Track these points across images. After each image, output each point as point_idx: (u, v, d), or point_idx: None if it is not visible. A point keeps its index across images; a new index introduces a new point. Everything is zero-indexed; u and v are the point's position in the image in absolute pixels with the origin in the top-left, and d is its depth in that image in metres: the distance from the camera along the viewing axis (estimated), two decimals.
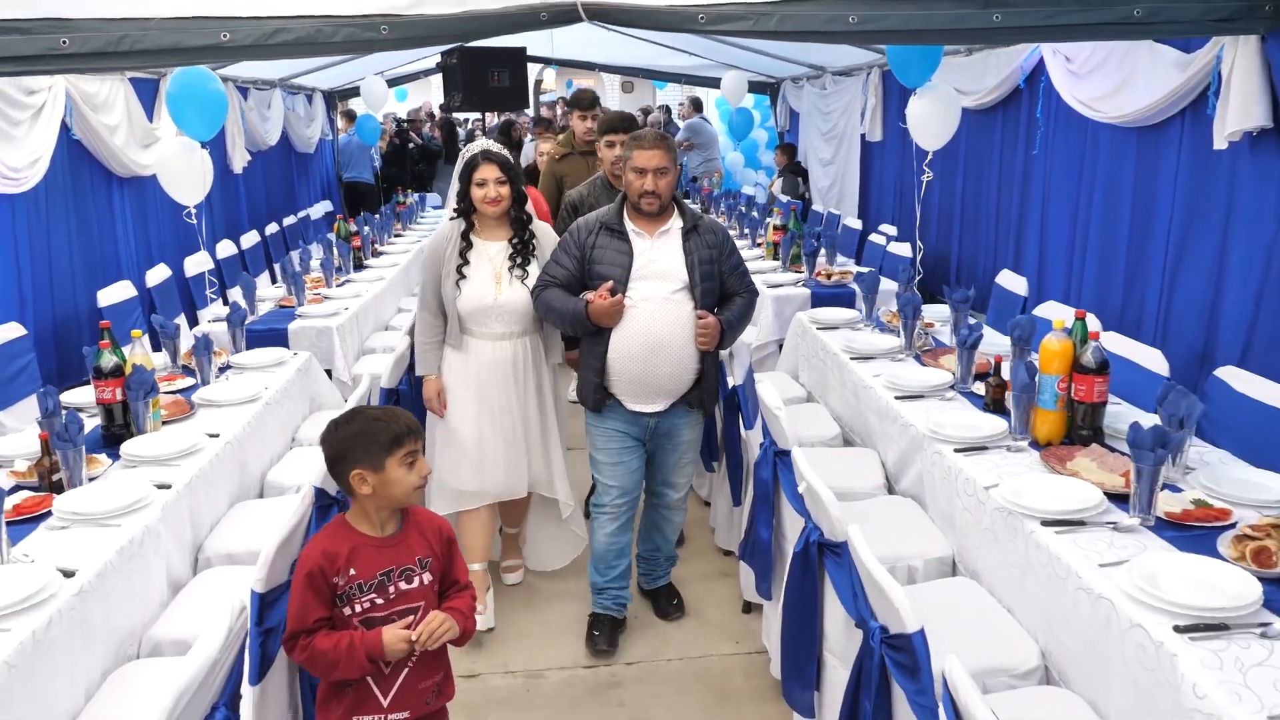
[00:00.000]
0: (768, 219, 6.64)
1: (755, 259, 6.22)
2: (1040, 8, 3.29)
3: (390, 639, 2.00)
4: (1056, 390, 2.84)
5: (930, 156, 4.57)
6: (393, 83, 11.24)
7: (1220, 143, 3.64)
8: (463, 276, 3.32)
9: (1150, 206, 4.33)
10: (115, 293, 5.34)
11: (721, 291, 3.23)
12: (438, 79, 11.19)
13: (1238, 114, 3.54)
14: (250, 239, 7.58)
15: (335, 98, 11.24)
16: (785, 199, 9.00)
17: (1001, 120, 5.91)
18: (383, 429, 2.04)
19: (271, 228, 8.21)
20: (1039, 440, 2.89)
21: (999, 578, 2.55)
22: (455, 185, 3.43)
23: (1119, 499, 2.44)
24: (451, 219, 3.45)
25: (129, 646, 2.53)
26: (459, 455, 3.40)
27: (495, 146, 3.35)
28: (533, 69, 11.20)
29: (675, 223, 3.17)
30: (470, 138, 5.79)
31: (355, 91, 10.93)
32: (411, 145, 12.11)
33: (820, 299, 5.15)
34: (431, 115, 14.23)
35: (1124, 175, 4.55)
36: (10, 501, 2.63)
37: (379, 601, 2.05)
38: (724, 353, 3.50)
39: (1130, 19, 3.31)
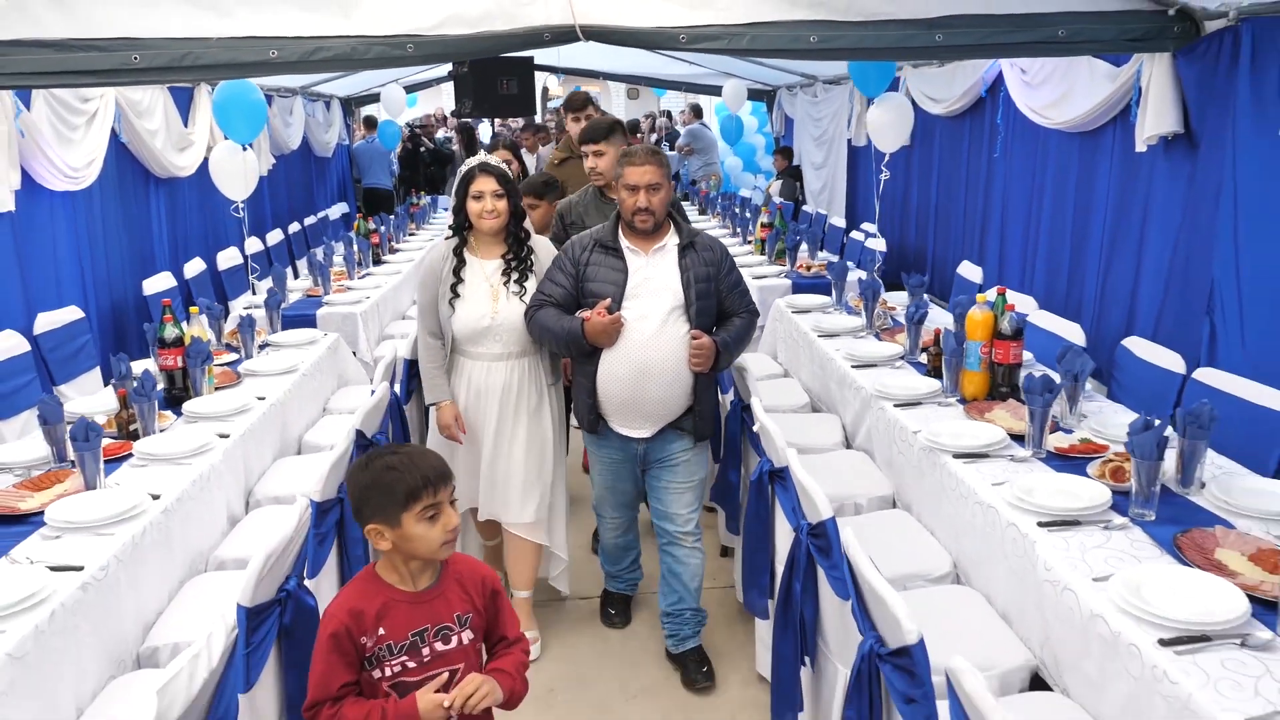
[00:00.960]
0: (758, 218, 7.17)
1: (745, 254, 6.76)
2: (977, 29, 3.81)
3: (425, 705, 1.81)
4: (980, 354, 3.34)
5: (887, 158, 5.10)
6: (412, 89, 11.80)
7: (1140, 146, 4.15)
8: (457, 295, 3.19)
9: (1089, 203, 4.85)
10: (158, 282, 5.89)
11: (720, 310, 3.10)
12: (448, 86, 11.74)
13: (1154, 121, 4.05)
14: (275, 236, 8.13)
15: (352, 104, 11.80)
16: (780, 200, 9.52)
17: (969, 126, 6.42)
18: (396, 480, 1.82)
19: (294, 227, 8.76)
20: (965, 397, 3.40)
21: (925, 507, 3.06)
22: (452, 200, 3.32)
23: (1021, 439, 2.95)
24: (447, 238, 3.33)
25: (199, 563, 3.04)
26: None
27: (494, 159, 3.24)
28: (541, 76, 11.76)
29: (671, 239, 3.06)
30: (494, 144, 6.09)
31: (373, 98, 11.48)
32: (423, 149, 12.67)
33: (800, 288, 5.65)
34: (444, 119, 14.80)
35: (1068, 175, 5.06)
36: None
37: (411, 665, 1.87)
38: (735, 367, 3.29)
39: (1056, 38, 3.84)
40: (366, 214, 9.13)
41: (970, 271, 5.25)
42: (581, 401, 3.11)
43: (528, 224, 3.32)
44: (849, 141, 8.85)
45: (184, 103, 6.80)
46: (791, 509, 2.56)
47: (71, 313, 4.89)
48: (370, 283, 6.14)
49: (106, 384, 4.11)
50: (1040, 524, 2.40)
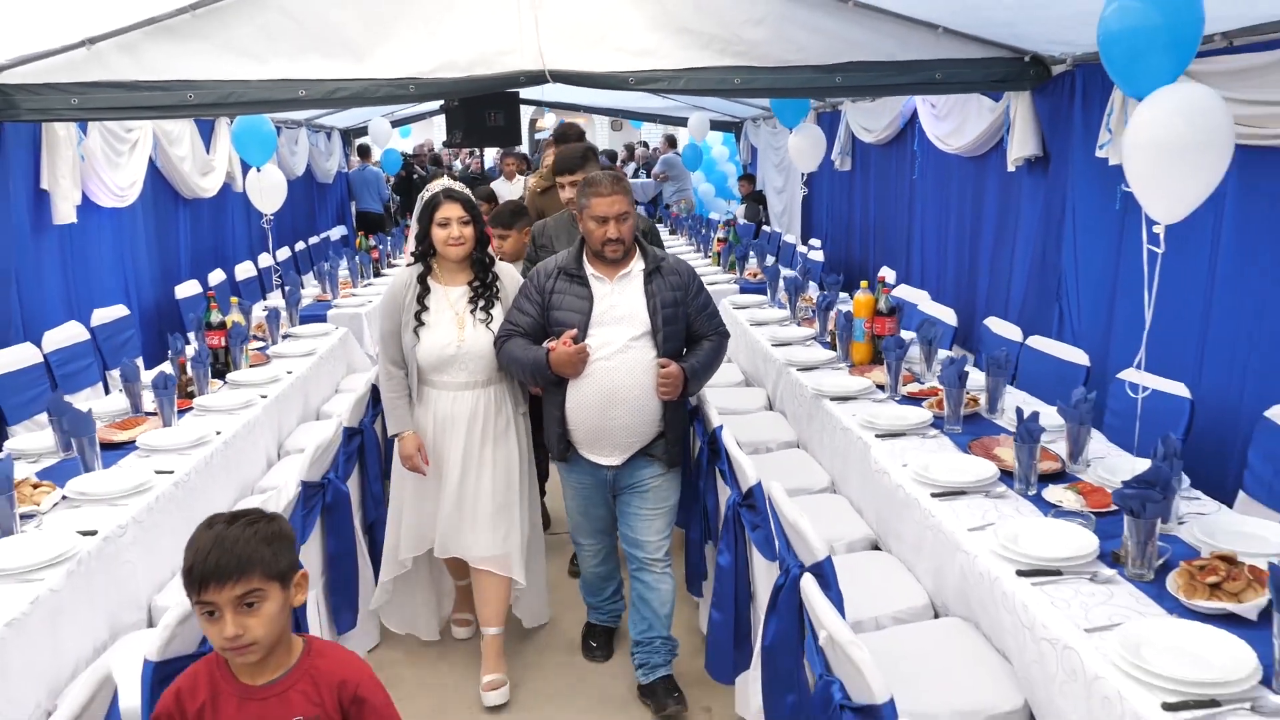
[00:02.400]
0: (714, 234, 8.09)
1: (704, 265, 7.68)
2: (869, 72, 4.72)
3: None
4: (864, 329, 4.23)
5: (806, 176, 6.03)
6: (398, 123, 12.75)
7: (1011, 166, 5.08)
8: (422, 324, 3.11)
9: (979, 214, 5.77)
10: (187, 289, 6.75)
11: (689, 333, 3.08)
12: (440, 119, 12.67)
13: (1019, 146, 4.97)
14: (284, 253, 9.00)
15: (350, 135, 12.73)
16: (743, 222, 10.45)
17: (894, 153, 7.36)
18: (188, 557, 1.62)
19: (299, 245, 9.64)
20: (855, 362, 4.27)
21: (815, 444, 3.92)
22: (414, 227, 3.25)
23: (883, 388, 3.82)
24: (409, 264, 3.26)
25: (246, 490, 3.88)
26: (398, 523, 3.27)
27: (458, 186, 3.21)
28: (529, 109, 12.73)
29: (637, 265, 3.03)
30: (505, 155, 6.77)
31: (363, 130, 12.42)
32: (415, 176, 13.59)
33: (745, 290, 6.57)
34: (433, 152, 15.82)
35: (966, 192, 5.99)
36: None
37: None
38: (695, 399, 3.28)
39: (934, 80, 4.75)
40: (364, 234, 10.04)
41: (887, 274, 6.15)
42: (551, 430, 3.07)
43: (493, 250, 3.29)
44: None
45: (207, 133, 7.69)
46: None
47: (119, 310, 5.75)
48: (372, 290, 7.02)
49: (148, 369, 4.96)
50: (875, 433, 3.28)
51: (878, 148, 7.60)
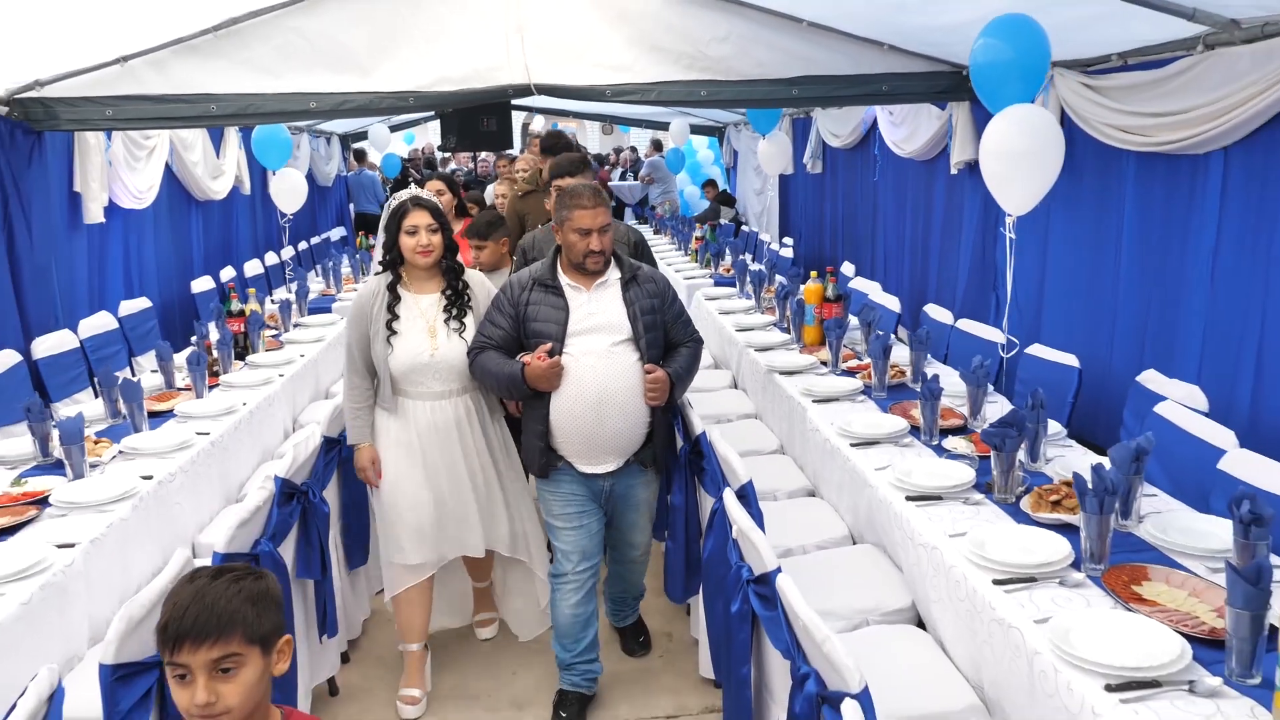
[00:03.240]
0: (694, 234, 8.65)
1: (683, 260, 8.23)
2: (822, 85, 5.27)
3: None
4: (814, 314, 4.77)
5: (771, 179, 6.57)
6: (396, 128, 13.30)
7: (953, 169, 5.62)
8: (394, 333, 3.05)
9: (930, 213, 6.32)
10: (201, 284, 7.27)
11: (665, 341, 3.09)
12: (435, 124, 13.23)
13: (959, 150, 5.53)
14: (288, 252, 9.53)
15: (349, 140, 13.26)
16: (725, 223, 11.02)
17: (859, 157, 7.92)
18: (165, 611, 1.53)
19: (302, 245, 10.17)
20: (806, 343, 4.81)
21: (764, 409, 4.46)
22: (381, 235, 3.18)
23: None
24: (377, 273, 3.20)
25: (268, 455, 4.40)
26: (398, 529, 3.17)
27: (426, 193, 3.17)
28: (521, 114, 13.28)
29: (613, 274, 3.03)
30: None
31: (363, 135, 12.96)
32: (412, 180, 14.13)
33: (719, 283, 7.12)
34: (429, 155, 16.39)
35: (919, 193, 6.55)
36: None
37: None
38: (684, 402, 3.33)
39: (881, 91, 5.31)
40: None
41: (847, 268, 6.71)
42: (532, 445, 3.00)
43: (468, 261, 3.25)
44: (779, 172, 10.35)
45: (217, 139, 8.22)
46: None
47: (143, 302, 6.27)
48: None
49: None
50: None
51: (844, 152, 8.15)
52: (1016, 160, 3.13)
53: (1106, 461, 2.61)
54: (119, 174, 6.23)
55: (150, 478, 3.22)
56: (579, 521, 3.06)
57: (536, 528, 3.37)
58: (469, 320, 3.12)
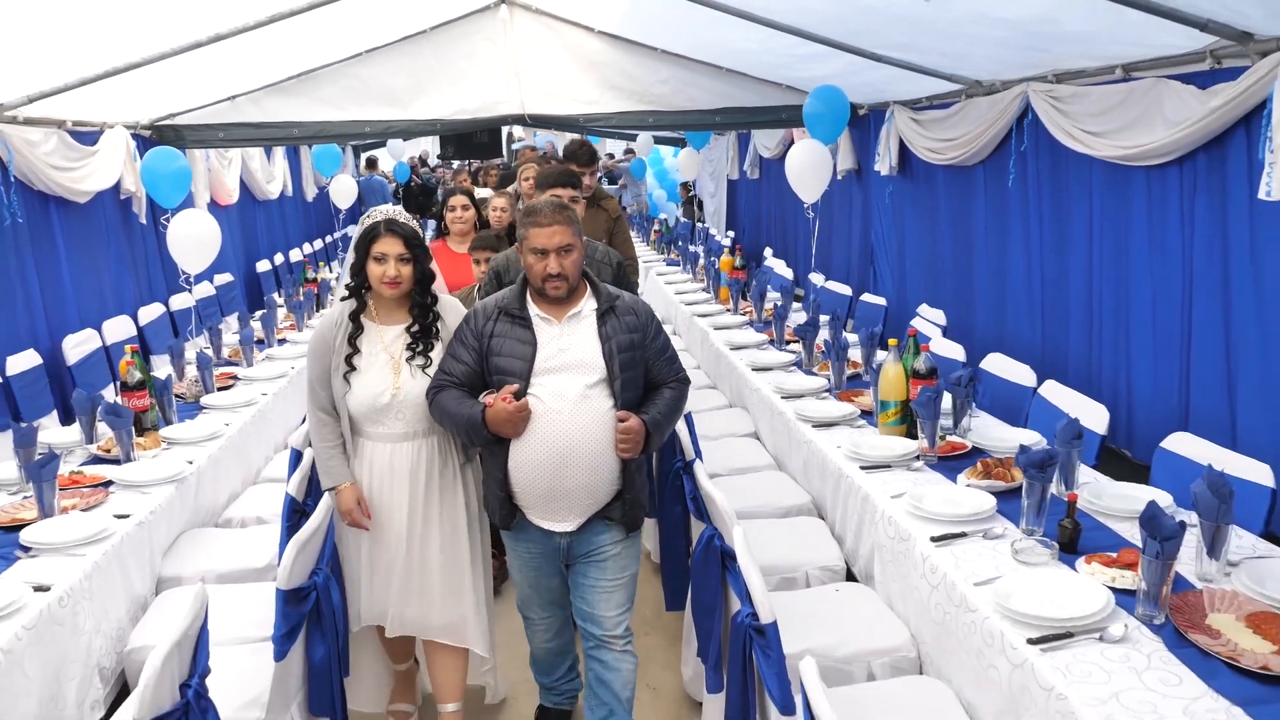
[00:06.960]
0: (653, 226, 10.72)
1: (642, 248, 10.26)
2: (739, 115, 7.29)
3: None
4: (726, 277, 6.74)
5: (721, 183, 8.56)
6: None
7: (839, 175, 7.64)
8: (353, 368, 2.75)
9: (830, 210, 8.32)
10: (264, 265, 9.24)
11: (646, 379, 2.73)
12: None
13: (843, 161, 7.57)
14: (309, 247, 11.54)
15: (360, 149, 15.23)
16: (684, 220, 13.05)
17: (782, 164, 9.94)
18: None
19: (318, 243, 12.17)
20: (720, 300, 6.78)
21: (733, 390, 6.42)
22: (350, 257, 2.85)
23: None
24: (343, 298, 2.86)
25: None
26: (350, 589, 2.86)
27: (403, 217, 2.81)
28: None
29: (588, 304, 2.70)
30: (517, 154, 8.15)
31: (377, 144, 14.95)
32: (414, 183, 16.10)
33: (670, 265, 9.10)
34: (424, 160, 18.45)
35: (855, 202, 8.56)
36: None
37: None
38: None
39: (781, 119, 7.34)
40: None
41: (768, 253, 8.72)
42: (492, 493, 2.72)
43: (435, 288, 2.88)
44: (728, 176, 12.40)
45: (269, 151, 10.20)
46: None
47: (226, 277, 8.22)
48: None
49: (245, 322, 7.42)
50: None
51: (774, 161, 10.16)
52: (804, 171, 5.25)
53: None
54: (219, 178, 8.17)
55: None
56: (535, 579, 2.85)
57: (484, 595, 2.96)
58: (436, 355, 2.79)
